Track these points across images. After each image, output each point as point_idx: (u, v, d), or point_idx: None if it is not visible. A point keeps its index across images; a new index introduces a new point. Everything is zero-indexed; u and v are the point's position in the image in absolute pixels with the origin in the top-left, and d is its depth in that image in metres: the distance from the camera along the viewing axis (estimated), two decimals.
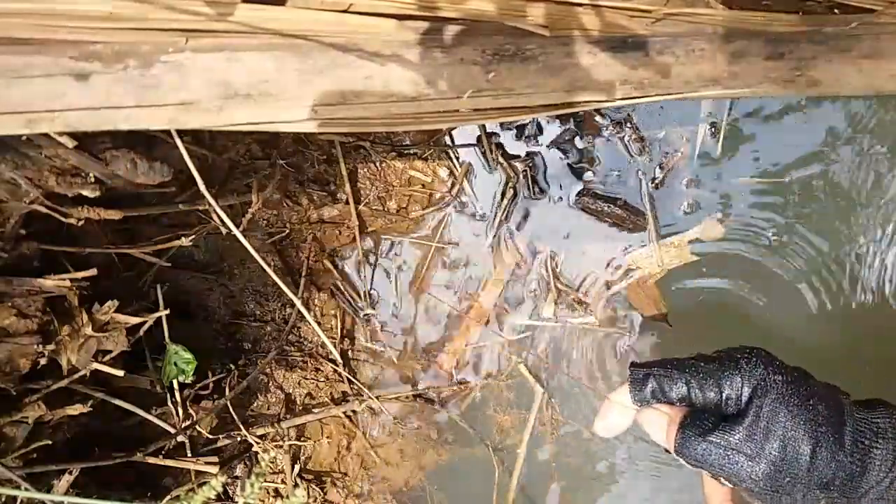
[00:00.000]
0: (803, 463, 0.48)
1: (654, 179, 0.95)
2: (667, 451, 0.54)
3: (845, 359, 0.93)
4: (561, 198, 0.97)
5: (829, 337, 0.94)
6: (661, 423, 0.53)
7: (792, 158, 0.93)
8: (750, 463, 0.49)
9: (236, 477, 1.01)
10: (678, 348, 0.96)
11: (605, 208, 0.94)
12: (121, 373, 0.81)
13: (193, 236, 0.85)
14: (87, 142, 0.65)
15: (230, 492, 1.00)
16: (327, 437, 1.03)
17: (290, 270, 1.01)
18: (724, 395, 0.51)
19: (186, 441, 0.95)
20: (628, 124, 0.94)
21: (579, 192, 0.96)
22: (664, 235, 0.95)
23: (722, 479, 0.51)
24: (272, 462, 1.00)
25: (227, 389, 0.97)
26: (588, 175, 0.95)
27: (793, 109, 0.93)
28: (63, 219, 0.72)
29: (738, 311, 0.95)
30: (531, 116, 0.94)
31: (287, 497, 1.00)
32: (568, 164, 0.96)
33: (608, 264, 0.97)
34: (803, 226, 0.94)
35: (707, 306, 0.96)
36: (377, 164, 0.99)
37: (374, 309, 1.02)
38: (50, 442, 0.80)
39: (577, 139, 0.95)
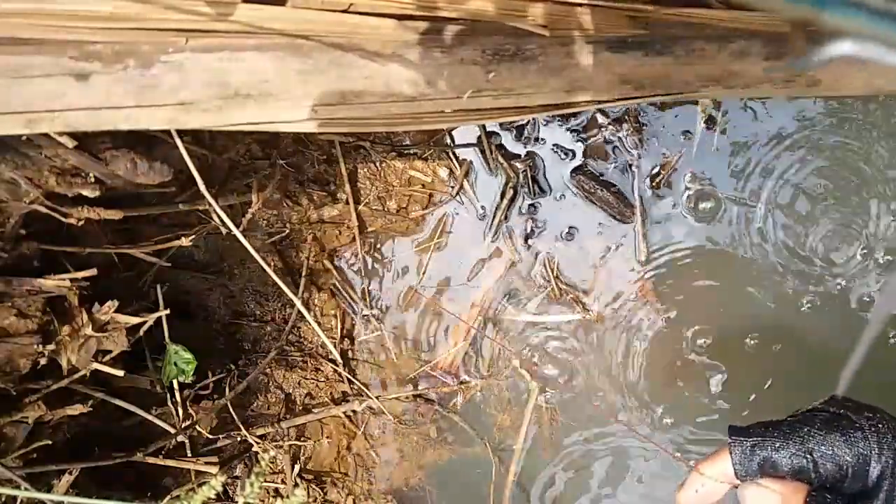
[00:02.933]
0: None
1: (653, 179, 0.95)
2: None
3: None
4: (562, 196, 0.97)
5: (824, 331, 0.94)
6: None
7: (791, 157, 0.93)
8: None
9: (236, 477, 1.01)
10: (677, 344, 0.96)
11: (598, 191, 0.95)
12: (121, 373, 0.81)
13: (193, 236, 0.85)
14: (87, 142, 0.65)
15: (230, 492, 1.00)
16: (327, 437, 1.03)
17: (290, 270, 1.01)
18: (848, 471, 0.46)
19: (186, 441, 0.95)
20: (626, 118, 0.94)
21: (576, 169, 0.96)
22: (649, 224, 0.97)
23: None
24: (272, 462, 1.00)
25: (227, 389, 0.97)
26: (586, 161, 0.96)
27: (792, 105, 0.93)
28: (63, 219, 0.72)
29: (738, 306, 0.96)
30: (531, 116, 0.94)
31: (287, 497, 1.00)
32: (566, 156, 0.96)
33: (605, 261, 0.97)
34: (800, 223, 0.94)
35: (705, 302, 0.96)
36: (377, 164, 0.99)
37: (373, 309, 1.02)
38: (50, 442, 0.80)
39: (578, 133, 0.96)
